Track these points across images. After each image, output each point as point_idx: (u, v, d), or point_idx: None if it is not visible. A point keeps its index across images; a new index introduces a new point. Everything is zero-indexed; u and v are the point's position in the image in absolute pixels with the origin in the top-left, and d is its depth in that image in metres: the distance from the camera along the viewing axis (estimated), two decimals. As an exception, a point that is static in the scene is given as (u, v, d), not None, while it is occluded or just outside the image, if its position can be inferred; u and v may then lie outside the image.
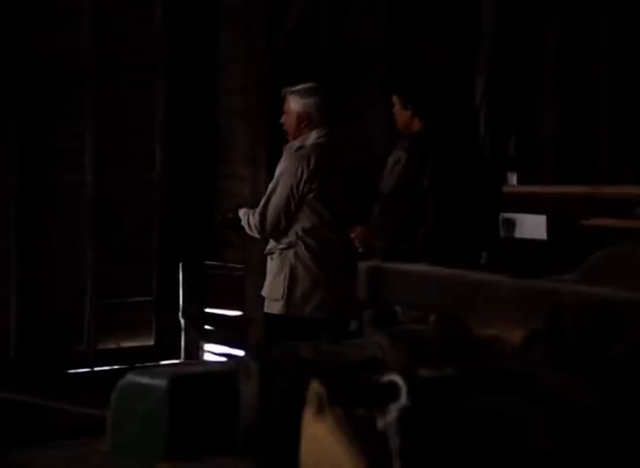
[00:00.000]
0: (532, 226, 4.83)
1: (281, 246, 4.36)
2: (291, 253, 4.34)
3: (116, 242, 6.46)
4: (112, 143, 6.43)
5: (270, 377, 1.34)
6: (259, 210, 4.38)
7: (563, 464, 1.18)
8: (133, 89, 6.55)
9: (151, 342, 6.65)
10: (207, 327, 6.73)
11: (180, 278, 6.70)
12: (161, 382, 1.53)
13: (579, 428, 1.19)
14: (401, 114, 4.14)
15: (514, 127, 5.21)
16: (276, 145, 5.10)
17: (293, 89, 4.49)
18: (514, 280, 1.68)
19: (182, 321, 6.72)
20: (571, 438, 1.18)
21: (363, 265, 1.90)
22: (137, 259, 6.57)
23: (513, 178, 5.07)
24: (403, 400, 1.15)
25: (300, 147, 4.39)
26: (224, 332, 6.58)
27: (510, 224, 4.93)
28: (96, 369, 6.33)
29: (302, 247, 4.32)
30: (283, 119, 4.51)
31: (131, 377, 1.58)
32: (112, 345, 6.47)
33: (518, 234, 4.92)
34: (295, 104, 4.42)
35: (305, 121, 4.40)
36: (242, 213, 4.51)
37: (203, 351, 6.72)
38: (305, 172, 4.32)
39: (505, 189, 4.90)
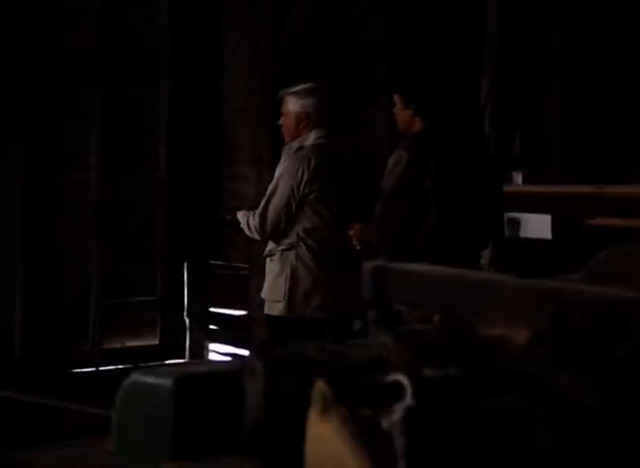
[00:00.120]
0: (537, 226, 4.83)
1: (282, 247, 4.36)
2: (292, 253, 4.33)
3: (121, 241, 6.47)
4: (117, 143, 6.44)
5: (275, 377, 1.34)
6: (258, 211, 4.38)
7: (568, 464, 1.18)
8: (138, 89, 6.55)
9: (156, 342, 6.65)
10: (212, 326, 6.73)
11: (185, 277, 6.71)
12: (166, 382, 1.53)
13: (584, 428, 1.19)
14: (402, 114, 4.14)
15: (519, 126, 5.21)
16: (281, 145, 5.11)
17: (291, 90, 4.49)
18: (519, 279, 1.68)
19: (187, 320, 6.73)
20: (576, 438, 1.18)
21: (367, 265, 1.89)
22: (141, 259, 6.58)
23: (518, 178, 5.07)
24: (408, 400, 1.15)
25: (300, 148, 4.40)
26: (229, 332, 6.58)
27: (515, 224, 4.93)
28: (100, 368, 6.33)
29: (304, 248, 4.32)
30: (281, 120, 4.52)
31: (136, 377, 1.58)
32: (117, 345, 6.47)
33: (523, 234, 4.92)
34: (293, 105, 4.42)
35: (304, 122, 4.40)
36: (241, 215, 4.51)
37: (208, 351, 6.72)
38: (306, 172, 4.32)
39: (510, 189, 4.90)
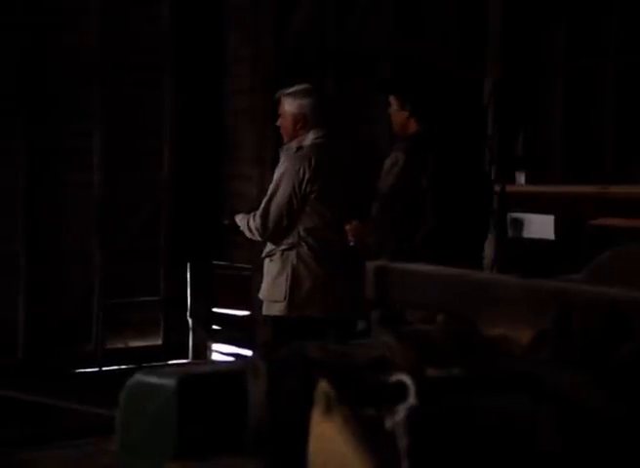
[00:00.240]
0: (540, 226, 4.82)
1: (282, 247, 4.37)
2: (292, 253, 4.34)
3: (124, 241, 6.47)
4: (120, 143, 6.44)
5: (278, 377, 1.34)
6: (259, 212, 4.38)
7: (571, 464, 1.18)
8: (140, 89, 6.56)
9: (159, 342, 6.66)
10: (215, 326, 6.74)
11: (188, 278, 6.71)
12: (170, 382, 1.53)
13: (587, 428, 1.19)
14: (398, 115, 4.15)
15: (522, 126, 5.20)
16: (280, 146, 5.12)
17: (287, 91, 4.51)
18: (522, 280, 1.68)
19: (190, 320, 6.73)
20: (579, 438, 1.18)
21: (370, 265, 1.90)
22: (144, 259, 6.58)
23: (521, 178, 5.07)
24: (411, 400, 1.15)
25: (300, 148, 4.41)
26: (232, 332, 6.58)
27: (518, 224, 4.93)
28: (104, 368, 6.34)
29: (305, 247, 4.32)
30: (279, 121, 4.53)
31: (139, 377, 1.58)
32: (120, 345, 6.48)
33: (526, 234, 4.92)
34: (289, 106, 4.44)
35: (301, 122, 4.42)
36: (240, 218, 4.52)
37: (211, 351, 6.72)
38: (307, 172, 4.34)
39: (513, 189, 4.90)
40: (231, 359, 6.63)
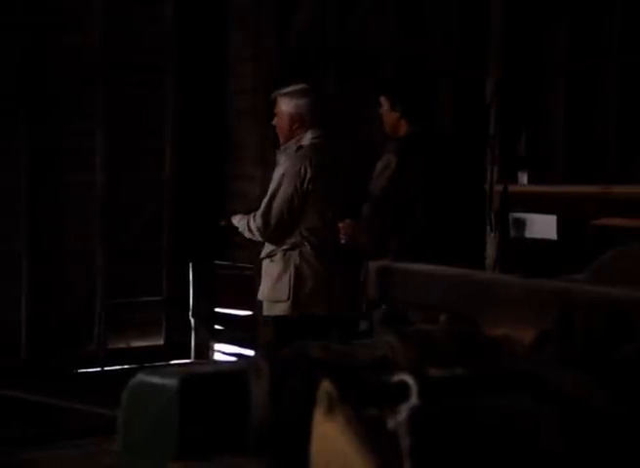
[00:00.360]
0: (542, 226, 4.82)
1: (284, 247, 4.37)
2: (295, 253, 4.34)
3: (126, 241, 6.47)
4: (122, 143, 6.44)
5: (281, 377, 1.34)
6: (261, 212, 4.38)
7: (574, 464, 1.18)
8: (143, 89, 6.56)
9: (161, 342, 6.66)
10: (217, 326, 6.74)
11: (191, 278, 6.71)
12: (172, 382, 1.53)
13: (589, 428, 1.19)
14: (388, 115, 4.15)
15: (524, 126, 5.20)
16: (276, 147, 5.12)
17: (283, 91, 4.52)
18: (524, 280, 1.68)
19: (193, 320, 6.73)
20: (582, 438, 1.18)
21: (373, 265, 1.90)
22: (147, 259, 6.58)
23: (523, 178, 5.06)
24: (413, 400, 1.15)
25: (300, 148, 4.41)
26: (234, 332, 6.58)
27: (520, 224, 4.92)
28: (106, 368, 6.34)
29: (307, 247, 4.33)
30: (275, 121, 4.54)
31: (141, 377, 1.58)
32: (122, 345, 6.48)
33: (528, 234, 4.91)
34: (286, 106, 4.45)
35: (298, 122, 4.42)
36: (237, 219, 4.52)
37: (213, 351, 6.72)
38: (309, 171, 4.34)
39: (516, 189, 4.90)
40: (234, 359, 6.63)
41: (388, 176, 3.95)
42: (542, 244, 4.83)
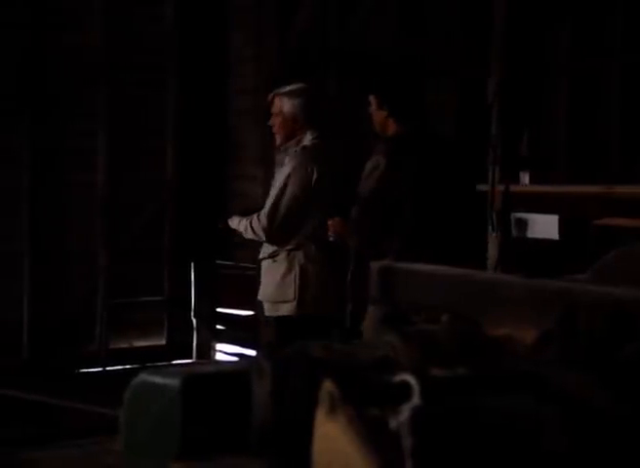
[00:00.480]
0: (544, 226, 4.82)
1: (288, 247, 4.36)
2: (300, 253, 4.34)
3: (128, 241, 6.48)
4: (124, 143, 6.45)
5: (283, 377, 1.34)
6: (266, 212, 4.37)
7: (577, 464, 1.18)
8: (144, 89, 6.56)
9: (163, 342, 6.66)
10: (219, 326, 6.74)
11: (192, 278, 6.71)
12: (174, 382, 1.53)
13: (592, 428, 1.19)
14: (377, 114, 4.15)
15: (526, 126, 5.19)
16: (272, 147, 5.13)
17: (282, 90, 4.51)
18: (527, 280, 1.67)
19: (194, 320, 6.73)
20: (584, 438, 1.18)
21: (375, 265, 1.89)
22: (148, 259, 6.59)
23: (525, 178, 5.06)
24: (415, 400, 1.14)
25: (304, 148, 4.41)
26: (236, 332, 6.58)
27: (522, 224, 4.92)
28: (107, 368, 6.34)
29: (312, 246, 4.33)
30: (272, 121, 4.53)
31: (143, 377, 1.58)
32: (124, 345, 6.48)
33: (530, 234, 4.91)
34: (288, 106, 4.44)
35: (299, 122, 4.42)
36: (236, 221, 4.52)
37: (215, 351, 6.72)
38: (315, 171, 4.34)
39: (518, 189, 4.89)
40: (235, 359, 6.63)
41: (377, 178, 3.95)
42: (544, 244, 4.83)
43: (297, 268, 4.32)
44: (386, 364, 1.29)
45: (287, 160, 4.46)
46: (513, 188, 4.84)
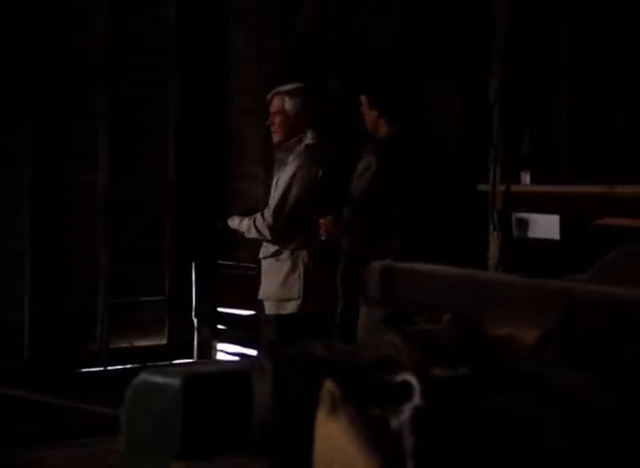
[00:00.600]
0: (545, 226, 4.82)
1: (292, 245, 4.37)
2: (304, 251, 4.35)
3: (129, 241, 6.48)
4: (125, 143, 6.45)
5: (284, 376, 1.34)
6: (272, 211, 4.38)
7: (577, 464, 1.18)
8: (146, 89, 6.56)
9: (164, 341, 6.66)
10: (220, 326, 6.74)
11: (193, 277, 6.71)
12: (175, 381, 1.53)
13: (593, 428, 1.19)
14: (368, 114, 4.16)
15: (528, 126, 5.19)
16: (271, 146, 5.13)
17: (283, 89, 4.52)
18: (528, 280, 1.67)
19: (195, 320, 6.73)
20: (585, 438, 1.18)
21: (376, 264, 1.89)
22: (150, 259, 6.59)
23: (526, 178, 5.06)
24: (417, 399, 1.15)
25: (307, 147, 4.41)
26: (237, 332, 6.59)
27: (523, 224, 4.92)
28: (109, 368, 6.34)
29: (317, 245, 4.33)
30: (271, 120, 4.53)
31: (144, 377, 1.58)
32: (125, 344, 6.48)
33: (531, 234, 4.91)
34: (288, 104, 4.45)
35: (300, 120, 4.43)
36: (237, 221, 4.52)
37: (216, 350, 6.72)
38: (320, 170, 4.35)
39: (519, 189, 4.89)
40: (236, 358, 6.63)
41: (368, 178, 3.96)
42: (545, 244, 4.83)
43: (301, 267, 4.33)
44: (388, 363, 1.29)
45: (291, 158, 4.46)
46: (514, 188, 4.84)
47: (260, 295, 4.57)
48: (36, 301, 6.18)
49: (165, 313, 6.67)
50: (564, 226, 4.80)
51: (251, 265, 6.26)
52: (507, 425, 1.18)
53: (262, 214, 4.43)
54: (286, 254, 4.39)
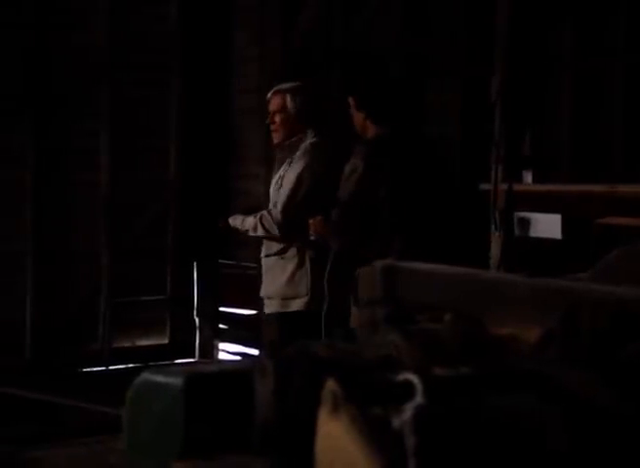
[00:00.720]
0: (547, 225, 4.81)
1: (299, 243, 4.37)
2: (310, 249, 4.36)
3: (131, 241, 6.48)
4: (127, 143, 6.45)
5: (286, 376, 1.34)
6: (281, 209, 4.38)
7: (579, 464, 1.18)
8: (148, 88, 6.57)
9: (166, 341, 6.67)
10: (221, 325, 6.74)
11: (195, 277, 6.72)
12: (177, 381, 1.53)
13: (595, 427, 1.19)
14: (356, 116, 4.18)
15: (530, 126, 5.19)
16: (272, 145, 5.13)
17: (284, 87, 4.53)
18: (529, 279, 1.67)
19: (197, 319, 6.74)
20: (587, 437, 1.18)
21: (377, 264, 1.89)
22: (151, 258, 6.59)
23: (528, 177, 5.06)
24: (418, 399, 1.15)
25: (312, 144, 4.42)
26: (239, 331, 6.59)
27: (525, 223, 4.92)
28: (110, 367, 6.35)
29: (322, 243, 4.34)
30: (272, 118, 4.53)
31: (146, 376, 1.58)
32: (127, 344, 6.48)
33: (533, 233, 4.91)
34: (290, 102, 4.46)
35: (301, 119, 4.44)
36: (240, 220, 4.53)
37: (217, 350, 6.73)
38: (324, 168, 4.36)
39: (520, 188, 4.89)
40: (238, 358, 6.63)
41: (356, 180, 3.99)
42: (547, 243, 4.83)
43: (307, 264, 4.34)
44: (389, 363, 1.29)
45: (297, 156, 4.46)
46: (516, 187, 4.84)
47: (262, 293, 4.57)
48: (38, 301, 6.19)
49: (167, 312, 6.67)
50: (566, 226, 4.80)
51: (252, 265, 6.26)
52: (509, 424, 1.18)
53: (270, 212, 4.43)
54: (292, 252, 4.39)
